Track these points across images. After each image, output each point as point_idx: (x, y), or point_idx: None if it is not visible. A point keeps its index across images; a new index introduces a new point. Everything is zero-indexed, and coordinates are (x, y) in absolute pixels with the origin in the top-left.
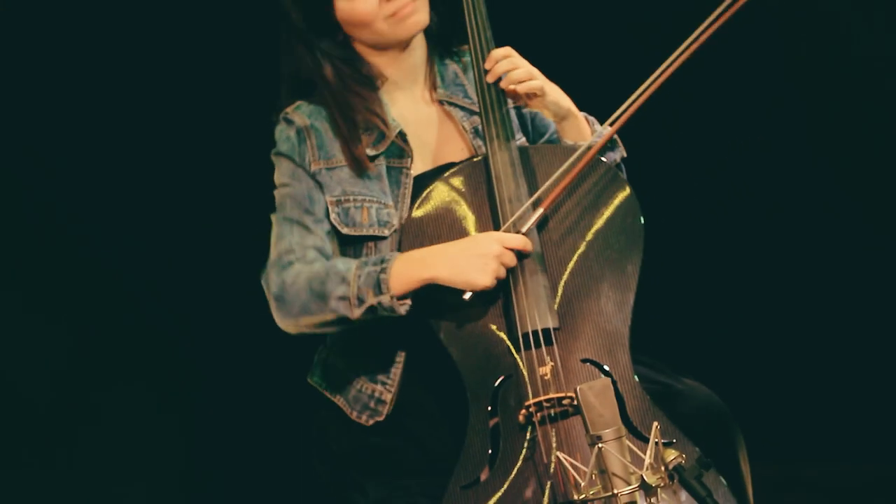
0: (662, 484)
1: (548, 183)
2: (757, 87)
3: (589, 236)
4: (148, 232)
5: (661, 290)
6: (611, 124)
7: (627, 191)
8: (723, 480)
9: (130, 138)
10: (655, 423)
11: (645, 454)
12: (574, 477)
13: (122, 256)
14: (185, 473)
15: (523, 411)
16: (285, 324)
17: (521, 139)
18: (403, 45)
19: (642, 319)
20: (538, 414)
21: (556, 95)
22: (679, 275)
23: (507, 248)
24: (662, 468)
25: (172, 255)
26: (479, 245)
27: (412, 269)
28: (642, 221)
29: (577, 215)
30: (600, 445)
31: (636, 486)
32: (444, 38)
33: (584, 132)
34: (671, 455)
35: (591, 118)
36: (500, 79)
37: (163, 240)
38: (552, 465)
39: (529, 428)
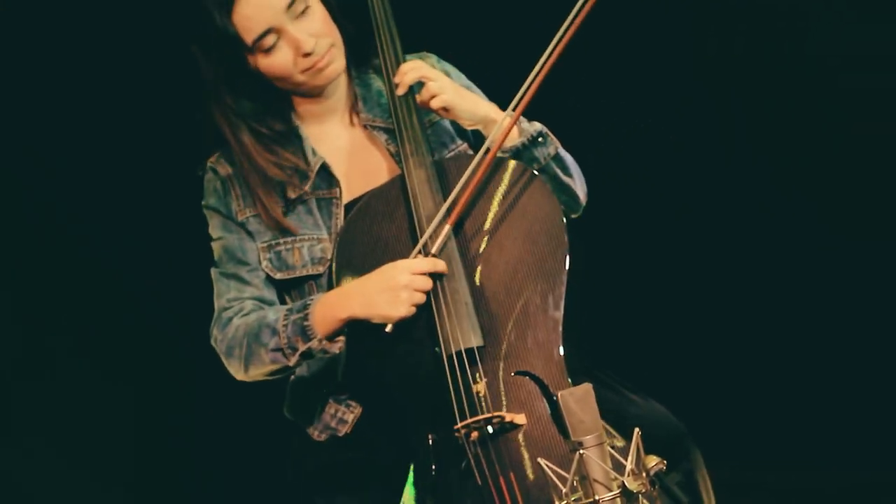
0: (644, 490)
1: (452, 195)
2: (710, 89)
3: (511, 244)
4: (138, 241)
5: (611, 300)
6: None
7: (545, 192)
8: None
9: (131, 138)
10: (636, 429)
11: (626, 460)
12: (515, 495)
13: (118, 259)
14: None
15: (456, 433)
16: (239, 376)
17: (460, 146)
18: (323, 89)
19: (594, 334)
20: (473, 434)
21: (469, 105)
22: (631, 285)
23: (417, 274)
24: (644, 474)
25: (168, 258)
26: (388, 278)
27: (331, 310)
28: (563, 221)
29: (497, 223)
30: (581, 452)
31: (617, 492)
32: (364, 57)
33: (510, 137)
34: (652, 461)
35: (521, 118)
36: (411, 92)
37: (156, 246)
38: (489, 485)
39: (465, 448)
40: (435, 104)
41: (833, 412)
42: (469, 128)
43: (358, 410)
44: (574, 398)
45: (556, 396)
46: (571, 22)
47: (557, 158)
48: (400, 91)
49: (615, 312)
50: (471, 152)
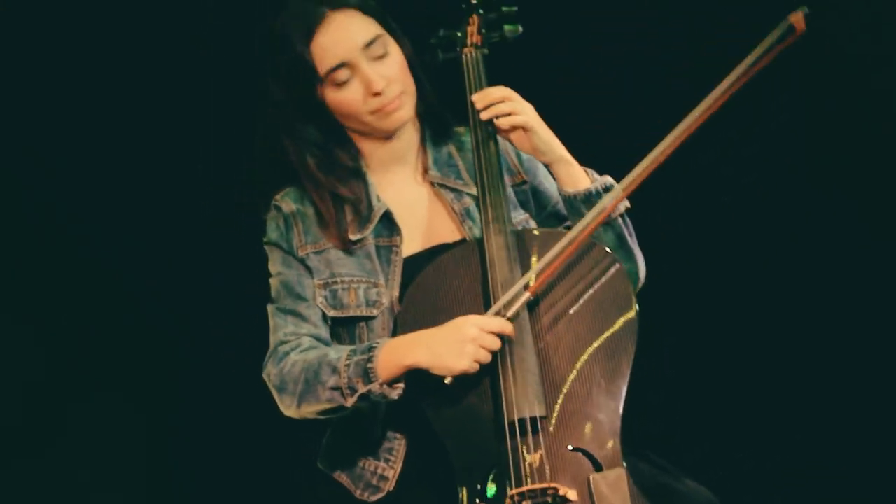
0: None
1: (538, 266)
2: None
3: (583, 324)
4: (138, 242)
5: (663, 383)
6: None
7: (623, 279)
8: None
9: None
10: None
11: None
12: None
13: (118, 260)
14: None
15: (508, 500)
16: (289, 412)
17: (523, 216)
18: (389, 133)
19: (648, 418)
20: (525, 502)
21: (548, 136)
22: (681, 370)
23: (485, 331)
24: None
25: (169, 258)
26: (457, 330)
27: (396, 356)
28: (637, 310)
29: (572, 302)
30: None
31: None
32: (440, 119)
33: (577, 178)
34: None
35: (591, 170)
36: (498, 158)
37: (156, 247)
38: None
39: None
40: (516, 121)
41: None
42: (541, 160)
43: (398, 466)
44: (606, 482)
45: (589, 479)
46: (697, 117)
47: (625, 217)
48: (480, 106)
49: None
50: (532, 224)
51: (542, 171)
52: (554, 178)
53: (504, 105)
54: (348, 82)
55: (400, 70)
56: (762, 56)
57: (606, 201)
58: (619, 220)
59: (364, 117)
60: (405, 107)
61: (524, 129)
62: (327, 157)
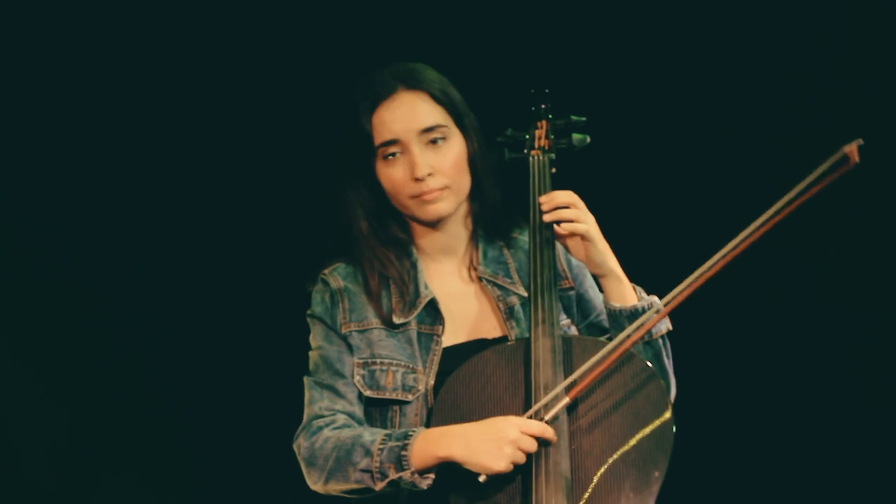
0: None
1: (579, 371)
2: None
3: (618, 434)
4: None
5: None
6: (656, 311)
7: (663, 395)
8: None
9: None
10: None
11: None
12: None
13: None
14: None
15: None
16: (315, 487)
17: (565, 321)
18: (433, 223)
19: None
20: None
21: (604, 248)
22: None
23: (525, 434)
24: None
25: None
26: (497, 429)
27: (432, 446)
28: (674, 430)
29: (609, 411)
30: None
31: None
32: (496, 219)
33: (625, 295)
34: None
35: (639, 288)
36: (553, 261)
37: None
38: None
39: None
40: (577, 229)
41: None
42: (592, 271)
43: None
44: None
45: None
46: (740, 242)
47: (666, 338)
48: (545, 207)
49: None
50: (573, 330)
51: (589, 280)
52: (601, 291)
53: (568, 211)
54: (397, 161)
55: (452, 165)
56: (812, 185)
57: (648, 317)
58: (660, 340)
59: (403, 199)
60: (444, 201)
61: (583, 238)
62: (380, 225)
